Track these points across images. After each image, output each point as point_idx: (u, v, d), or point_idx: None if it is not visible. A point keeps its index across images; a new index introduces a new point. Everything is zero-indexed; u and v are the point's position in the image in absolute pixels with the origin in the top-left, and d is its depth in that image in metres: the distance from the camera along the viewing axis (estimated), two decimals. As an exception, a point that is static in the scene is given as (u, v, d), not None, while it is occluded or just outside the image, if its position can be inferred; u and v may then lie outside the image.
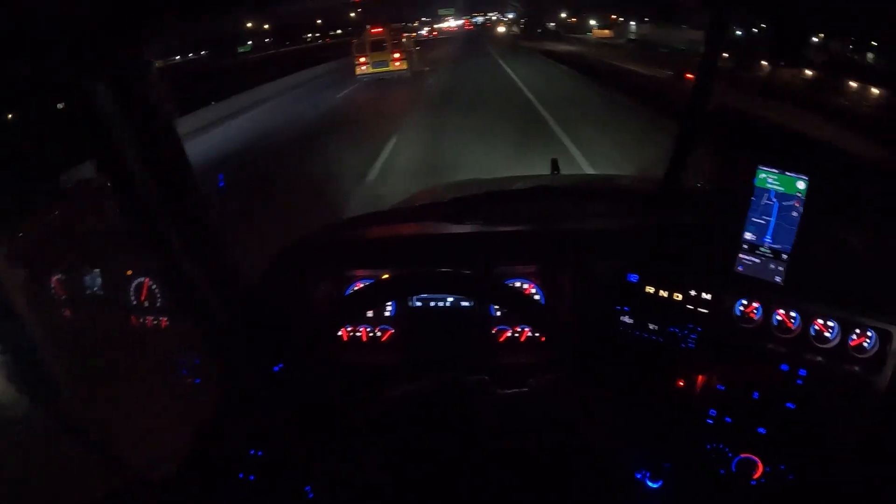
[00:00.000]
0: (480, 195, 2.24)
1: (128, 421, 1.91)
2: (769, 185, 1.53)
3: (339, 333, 2.04)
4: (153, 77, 1.28)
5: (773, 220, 1.54)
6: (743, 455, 1.65)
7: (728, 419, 1.66)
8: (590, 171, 8.34)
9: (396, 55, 21.74)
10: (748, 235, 1.59)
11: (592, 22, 44.71)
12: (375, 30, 22.15)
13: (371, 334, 2.04)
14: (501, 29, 65.13)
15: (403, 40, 23.06)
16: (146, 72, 1.26)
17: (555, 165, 2.95)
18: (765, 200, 1.54)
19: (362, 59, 21.92)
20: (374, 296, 1.49)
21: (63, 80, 1.17)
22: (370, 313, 2.03)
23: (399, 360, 1.97)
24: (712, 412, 1.68)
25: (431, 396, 1.45)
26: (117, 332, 2.15)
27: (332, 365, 1.92)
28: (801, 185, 1.49)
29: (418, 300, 1.99)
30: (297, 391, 1.46)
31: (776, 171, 1.52)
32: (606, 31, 40.94)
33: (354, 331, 2.04)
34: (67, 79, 1.17)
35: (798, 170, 1.50)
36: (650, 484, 1.71)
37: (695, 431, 1.71)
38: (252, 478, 1.43)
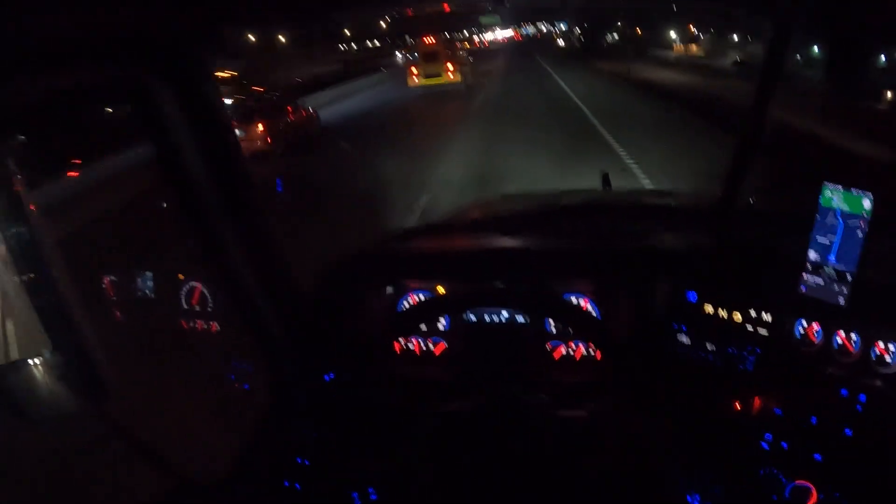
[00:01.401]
0: (534, 210, 2.23)
1: (176, 425, 1.95)
2: (834, 204, 1.47)
3: (393, 346, 2.04)
4: (213, 82, 1.31)
5: (837, 239, 1.49)
6: (797, 482, 1.59)
7: (784, 444, 1.61)
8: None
9: (450, 67, 21.72)
10: (812, 255, 1.54)
11: (672, 35, 35.66)
12: (429, 39, 22.22)
13: (424, 347, 2.04)
14: (561, 42, 60.03)
15: (458, 52, 23.10)
16: (207, 77, 1.29)
17: (606, 180, 2.91)
18: (829, 219, 1.49)
19: (415, 71, 22.00)
20: (432, 310, 1.49)
21: (128, 83, 1.20)
22: (423, 326, 2.03)
23: (452, 374, 1.96)
24: (768, 436, 1.63)
25: (488, 412, 1.43)
26: (168, 335, 2.19)
27: (386, 376, 1.92)
28: (867, 203, 1.44)
29: (473, 314, 1.98)
30: (348, 400, 1.46)
31: (841, 188, 1.47)
32: (693, 47, 33.55)
33: (407, 342, 2.04)
34: (133, 83, 1.20)
35: (863, 187, 1.45)
36: None
37: (749, 456, 1.66)
38: (298, 486, 1.43)
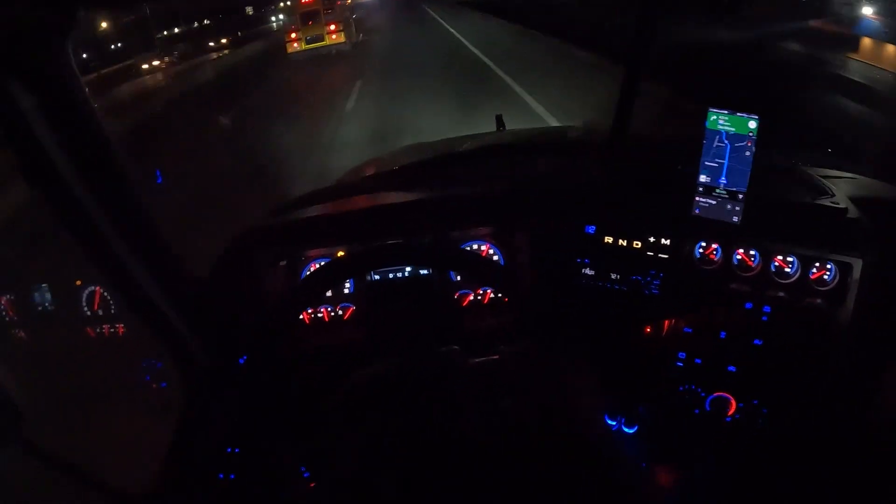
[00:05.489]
0: (428, 160, 2.20)
1: (99, 436, 1.86)
2: (720, 127, 1.52)
3: (301, 317, 2.00)
4: (75, 75, 1.21)
5: (726, 161, 1.55)
6: (716, 394, 1.69)
7: (698, 360, 1.70)
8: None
9: (333, 27, 20.77)
10: (703, 178, 1.59)
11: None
12: (306, 0, 21.13)
13: (333, 314, 2.00)
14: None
15: (339, 8, 22.13)
16: (68, 69, 1.19)
17: (500, 122, 2.90)
18: (717, 143, 1.54)
19: (294, 36, 20.76)
20: (329, 276, 1.45)
21: None
22: (329, 293, 1.99)
23: (364, 336, 1.93)
24: (681, 355, 1.71)
25: (401, 370, 1.42)
26: (75, 345, 2.07)
27: (298, 349, 1.88)
28: (753, 124, 1.50)
29: (376, 274, 1.95)
30: (266, 381, 1.42)
31: (727, 112, 1.52)
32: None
33: (315, 312, 1.99)
34: None
35: (748, 110, 1.50)
36: (627, 430, 1.74)
37: (666, 375, 1.74)
38: (232, 476, 1.40)
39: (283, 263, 1.96)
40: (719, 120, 1.52)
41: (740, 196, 1.55)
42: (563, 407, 1.49)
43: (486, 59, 14.25)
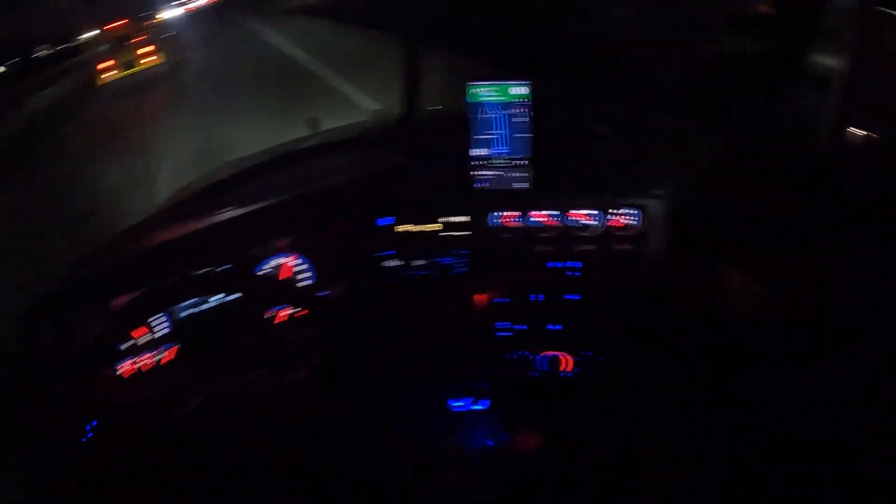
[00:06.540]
0: (226, 178, 2.09)
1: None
2: (483, 99, 1.54)
3: (120, 373, 1.84)
4: None
5: (505, 131, 1.56)
6: (545, 353, 1.73)
7: (520, 326, 1.73)
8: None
9: (147, 48, 19.62)
10: (476, 152, 1.60)
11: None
12: (113, 26, 19.78)
13: (156, 358, 1.86)
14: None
15: (150, 28, 20.90)
16: None
17: (313, 124, 2.84)
18: (482, 115, 1.56)
19: (107, 64, 19.44)
20: (128, 322, 1.36)
21: None
22: (145, 339, 1.85)
23: (188, 374, 1.80)
24: (505, 325, 1.74)
25: (215, 405, 1.36)
26: None
27: (116, 409, 1.74)
28: (523, 90, 1.52)
29: (184, 309, 1.83)
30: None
31: (489, 83, 1.53)
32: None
33: (134, 364, 1.85)
34: None
35: (517, 77, 1.52)
36: (478, 407, 1.75)
37: (493, 346, 1.76)
38: None
39: (99, 320, 1.80)
40: (481, 92, 1.53)
41: (525, 163, 1.58)
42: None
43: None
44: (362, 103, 8.80)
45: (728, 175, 1.63)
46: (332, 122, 3.00)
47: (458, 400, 1.77)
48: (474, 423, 1.77)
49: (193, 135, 10.01)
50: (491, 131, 1.57)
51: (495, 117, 1.55)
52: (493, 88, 1.53)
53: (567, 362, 1.73)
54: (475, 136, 1.58)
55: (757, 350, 1.46)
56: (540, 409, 1.79)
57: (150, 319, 1.73)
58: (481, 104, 1.54)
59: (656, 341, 1.63)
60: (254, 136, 7.96)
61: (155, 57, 19.43)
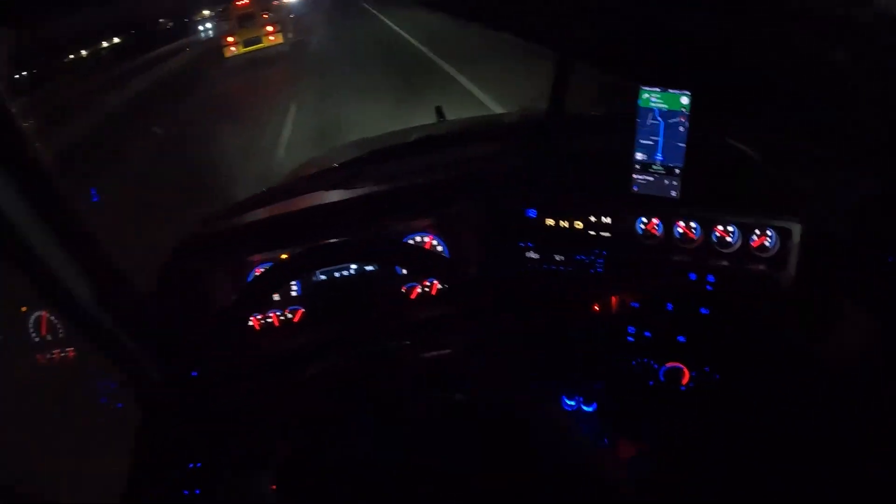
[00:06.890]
0: (365, 156, 2.18)
1: (59, 463, 1.81)
2: (653, 105, 1.56)
3: (251, 323, 1.97)
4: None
5: (661, 138, 1.58)
6: (668, 364, 1.73)
7: (647, 333, 1.74)
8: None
9: (270, 28, 20.39)
10: (639, 156, 1.62)
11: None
12: (241, 2, 20.69)
13: (282, 317, 1.97)
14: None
15: (274, 7, 21.69)
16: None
17: (440, 113, 2.91)
18: (650, 120, 1.57)
19: (231, 39, 20.27)
20: (272, 280, 1.43)
21: None
22: (277, 297, 1.97)
23: (315, 337, 1.90)
24: (631, 329, 1.75)
25: (353, 368, 1.42)
26: (27, 374, 2.01)
27: (250, 356, 1.86)
28: (685, 100, 1.53)
29: (322, 273, 1.93)
30: (220, 391, 1.40)
31: (658, 89, 1.55)
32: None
33: (265, 317, 1.98)
34: None
35: (680, 86, 1.53)
36: (585, 408, 1.78)
37: (618, 350, 1.78)
38: (198, 491, 1.38)
39: (229, 271, 1.93)
40: (651, 98, 1.55)
41: (677, 171, 1.59)
42: (517, 392, 1.51)
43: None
44: (484, 100, 8.89)
45: (877, 216, 1.58)
46: (453, 114, 3.09)
47: (572, 398, 1.80)
48: (579, 424, 1.79)
49: (304, 117, 10.40)
50: (653, 137, 1.59)
51: (660, 124, 1.57)
52: (661, 96, 1.55)
53: (686, 376, 1.73)
54: (640, 140, 1.60)
55: (863, 399, 1.42)
56: (650, 420, 1.79)
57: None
58: (651, 109, 1.56)
59: (774, 367, 1.61)
60: (369, 119, 8.20)
61: (279, 35, 20.12)
